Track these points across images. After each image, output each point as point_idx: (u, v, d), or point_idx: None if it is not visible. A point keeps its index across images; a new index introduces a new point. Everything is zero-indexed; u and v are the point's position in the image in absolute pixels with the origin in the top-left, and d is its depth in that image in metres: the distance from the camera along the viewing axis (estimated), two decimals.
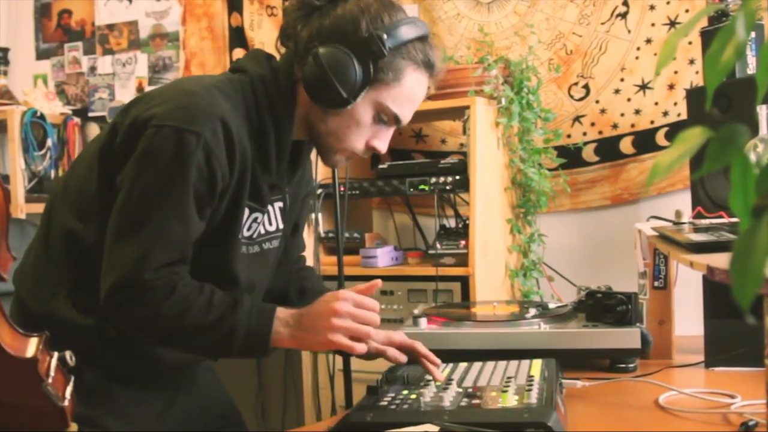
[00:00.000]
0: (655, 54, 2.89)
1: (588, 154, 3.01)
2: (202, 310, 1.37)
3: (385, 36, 1.41)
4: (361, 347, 1.41)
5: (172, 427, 1.58)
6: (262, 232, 1.56)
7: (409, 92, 1.48)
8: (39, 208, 3.50)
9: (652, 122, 2.92)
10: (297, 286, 1.79)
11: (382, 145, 1.54)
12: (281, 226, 1.61)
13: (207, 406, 1.70)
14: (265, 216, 1.55)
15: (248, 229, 1.51)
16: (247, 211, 1.48)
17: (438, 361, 1.54)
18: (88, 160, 1.47)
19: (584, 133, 3.01)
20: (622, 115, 2.95)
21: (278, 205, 1.58)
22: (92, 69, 4.01)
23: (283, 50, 1.54)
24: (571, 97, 3.02)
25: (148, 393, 1.56)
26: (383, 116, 1.49)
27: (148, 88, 3.86)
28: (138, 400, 1.53)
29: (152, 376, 1.58)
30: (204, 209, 1.39)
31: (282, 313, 1.41)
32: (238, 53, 3.64)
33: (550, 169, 2.85)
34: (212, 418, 1.71)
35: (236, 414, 1.79)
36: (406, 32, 1.45)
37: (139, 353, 1.50)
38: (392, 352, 1.56)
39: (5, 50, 3.98)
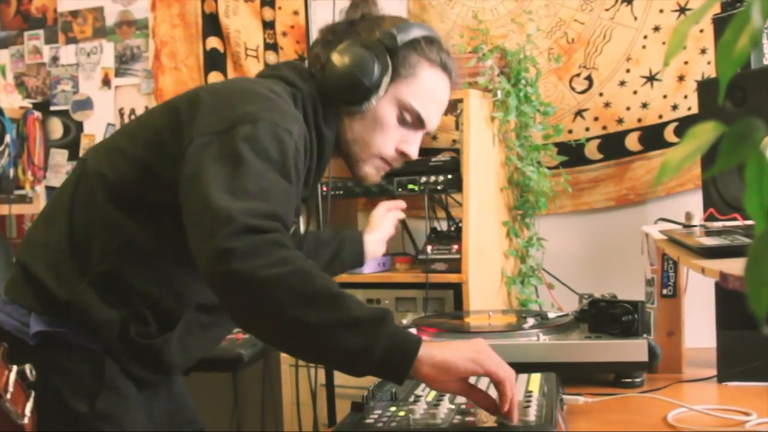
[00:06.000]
0: (664, 43, 2.90)
1: (591, 151, 3.02)
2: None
3: (395, 32, 1.59)
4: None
5: (155, 427, 1.64)
6: None
7: (428, 89, 1.64)
8: None
9: (660, 117, 2.92)
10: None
11: (411, 149, 1.67)
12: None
13: (178, 409, 1.75)
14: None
15: None
16: None
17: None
18: (137, 154, 1.50)
19: (587, 129, 3.01)
20: (628, 108, 2.96)
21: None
22: (54, 59, 3.99)
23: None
24: (573, 89, 3.03)
25: (143, 393, 1.60)
26: (406, 116, 1.63)
27: (114, 80, 3.86)
28: (140, 399, 1.57)
29: (152, 381, 1.61)
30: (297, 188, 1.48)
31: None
32: (212, 42, 3.63)
33: (549, 168, 2.85)
34: (182, 422, 1.75)
35: (200, 422, 1.83)
36: (415, 31, 1.63)
37: (153, 359, 1.53)
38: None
39: None
